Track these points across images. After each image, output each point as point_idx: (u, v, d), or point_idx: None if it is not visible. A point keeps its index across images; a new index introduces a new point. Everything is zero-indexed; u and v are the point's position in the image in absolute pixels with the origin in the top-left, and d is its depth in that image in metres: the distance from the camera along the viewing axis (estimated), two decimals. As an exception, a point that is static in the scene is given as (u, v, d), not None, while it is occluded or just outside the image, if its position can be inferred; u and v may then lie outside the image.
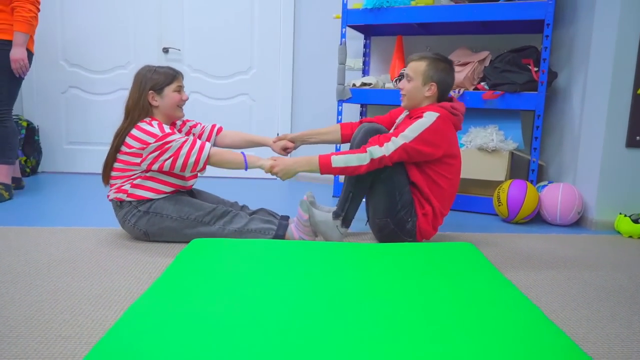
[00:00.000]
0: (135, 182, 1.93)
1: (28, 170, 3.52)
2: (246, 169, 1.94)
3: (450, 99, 2.02)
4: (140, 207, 1.94)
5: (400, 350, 1.02)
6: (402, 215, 1.90)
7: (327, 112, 3.58)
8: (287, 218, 2.09)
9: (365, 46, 3.44)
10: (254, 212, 2.15)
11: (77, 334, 1.20)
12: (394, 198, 1.89)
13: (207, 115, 3.69)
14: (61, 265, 1.68)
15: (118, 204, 1.97)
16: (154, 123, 1.89)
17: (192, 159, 1.87)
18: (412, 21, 2.84)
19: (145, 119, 1.91)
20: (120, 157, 1.91)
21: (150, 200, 1.94)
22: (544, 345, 1.05)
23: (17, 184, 2.98)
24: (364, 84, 3.01)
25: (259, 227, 1.95)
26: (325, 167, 1.84)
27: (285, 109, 3.71)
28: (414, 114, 1.93)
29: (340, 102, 3.05)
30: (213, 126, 2.22)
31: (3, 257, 1.74)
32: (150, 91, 1.92)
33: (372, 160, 1.82)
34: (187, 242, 1.97)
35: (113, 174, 1.95)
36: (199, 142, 1.90)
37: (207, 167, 1.93)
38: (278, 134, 3.32)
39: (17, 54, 2.64)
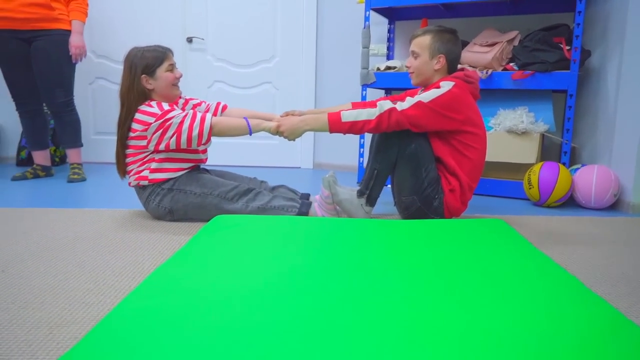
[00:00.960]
0: (152, 166, 1.93)
1: (57, 159, 3.58)
2: (250, 133, 1.90)
3: (462, 69, 1.96)
4: (164, 186, 1.94)
5: (443, 324, 0.97)
6: (428, 192, 1.85)
7: (351, 99, 3.53)
8: (307, 196, 2.07)
9: (389, 31, 3.38)
10: (274, 188, 2.14)
11: (100, 301, 1.20)
12: (419, 175, 1.84)
13: (230, 104, 3.69)
14: (86, 241, 1.69)
15: (140, 188, 1.98)
16: (153, 103, 1.89)
17: (195, 132, 1.85)
18: (437, 1, 2.77)
19: (150, 103, 1.90)
20: (129, 142, 1.92)
21: (172, 179, 1.94)
22: (587, 314, 0.98)
23: (46, 172, 3.04)
24: (388, 68, 2.96)
25: (282, 205, 1.92)
26: (334, 123, 1.79)
27: (309, 96, 3.68)
28: (428, 89, 1.88)
29: (365, 86, 3.01)
30: (218, 104, 2.20)
31: (30, 235, 1.76)
32: (143, 75, 1.90)
33: (381, 113, 1.77)
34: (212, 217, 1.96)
35: (127, 159, 1.95)
36: (199, 115, 1.88)
37: (214, 139, 1.91)
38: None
39: (78, 40, 2.83)
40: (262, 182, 2.18)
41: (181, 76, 2.00)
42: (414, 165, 1.84)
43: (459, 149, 1.85)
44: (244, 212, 1.92)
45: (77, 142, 3.01)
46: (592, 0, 2.84)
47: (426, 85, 1.95)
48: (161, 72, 1.93)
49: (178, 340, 0.85)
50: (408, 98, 1.81)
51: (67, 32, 2.82)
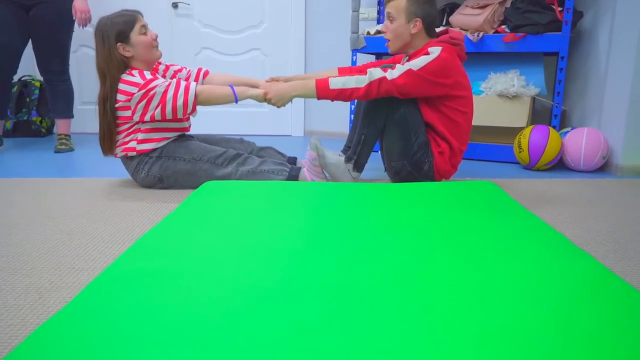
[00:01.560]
0: (139, 137, 1.90)
1: (44, 130, 3.53)
2: (236, 101, 1.87)
3: (446, 32, 1.92)
4: (152, 154, 1.92)
5: (434, 286, 0.98)
6: (418, 157, 1.84)
7: (341, 64, 3.47)
8: (294, 160, 2.08)
9: (379, -6, 3.31)
10: (261, 149, 2.14)
11: (90, 266, 1.19)
12: (409, 139, 1.83)
13: (218, 71, 3.61)
14: (75, 210, 1.68)
15: (128, 158, 1.95)
16: (135, 72, 1.85)
17: (179, 102, 1.82)
18: (428, -38, 2.70)
19: (131, 72, 1.85)
20: (117, 129, 1.88)
21: (159, 147, 1.92)
22: (575, 270, 1.00)
23: None
24: (378, 32, 2.91)
25: (271, 168, 1.92)
26: (322, 90, 1.77)
27: (299, 62, 3.62)
28: (416, 55, 1.85)
29: (355, 51, 2.96)
30: (199, 70, 2.16)
31: (17, 205, 1.74)
32: (118, 43, 1.84)
33: (371, 81, 1.75)
34: (202, 184, 1.95)
35: (108, 142, 1.91)
36: (183, 83, 1.84)
37: (199, 108, 1.88)
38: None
39: (83, 5, 2.77)
40: (249, 142, 2.16)
41: (157, 36, 1.94)
42: (403, 130, 1.83)
43: (447, 114, 1.84)
44: (234, 176, 1.91)
45: (68, 113, 2.97)
46: (586, -40, 2.79)
47: (405, 51, 1.92)
48: (135, 36, 1.87)
49: (167, 302, 0.85)
50: (398, 66, 1.78)
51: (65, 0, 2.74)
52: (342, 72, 2.14)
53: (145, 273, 0.96)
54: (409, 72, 1.75)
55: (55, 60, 2.83)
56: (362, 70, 2.09)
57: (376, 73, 1.75)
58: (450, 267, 1.00)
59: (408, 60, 1.89)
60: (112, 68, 1.84)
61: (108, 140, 1.91)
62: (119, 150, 1.95)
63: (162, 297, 0.86)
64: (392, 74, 1.76)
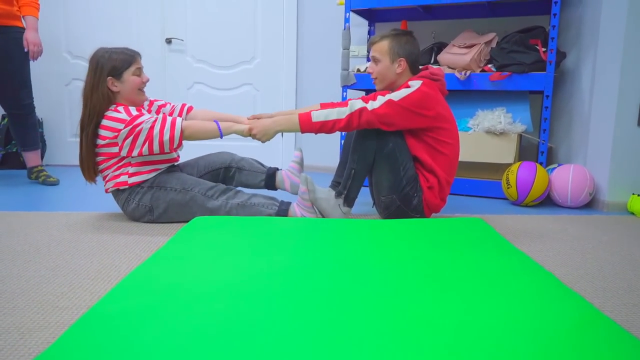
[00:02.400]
0: (130, 171, 1.90)
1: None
2: (221, 136, 1.89)
3: (426, 68, 1.98)
4: (143, 185, 1.92)
5: (422, 322, 0.98)
6: (407, 191, 1.86)
7: (332, 100, 3.53)
8: (275, 170, 2.14)
9: (369, 33, 3.39)
10: (241, 159, 2.16)
11: (74, 305, 1.17)
12: (398, 174, 1.85)
13: (210, 106, 3.66)
14: (61, 245, 1.65)
15: (119, 191, 1.94)
16: (120, 108, 1.85)
17: (166, 137, 1.83)
18: (416, 3, 2.79)
19: (110, 107, 1.86)
20: (100, 150, 1.89)
21: (150, 178, 1.93)
22: (564, 310, 1.00)
23: None
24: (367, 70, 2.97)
25: (261, 202, 1.92)
26: (305, 123, 1.80)
27: (290, 97, 3.67)
28: (397, 90, 1.90)
29: (345, 88, 3.01)
30: (183, 105, 2.18)
31: (2, 239, 1.71)
32: (109, 77, 1.86)
33: (351, 112, 1.78)
34: (192, 217, 1.94)
35: (101, 166, 1.92)
36: (169, 119, 1.85)
37: (184, 142, 1.90)
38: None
39: (36, 37, 2.69)
40: (227, 153, 2.19)
41: (148, 81, 1.97)
42: (392, 165, 1.85)
43: (433, 146, 1.88)
44: (224, 208, 1.91)
45: (38, 143, 2.89)
46: (567, 4, 2.90)
47: (389, 88, 1.97)
48: (128, 75, 1.89)
49: (154, 343, 0.83)
50: (379, 97, 1.83)
51: (23, 30, 2.66)
52: (325, 107, 2.18)
53: (132, 312, 0.95)
54: (389, 103, 1.79)
55: (24, 93, 2.73)
56: (345, 104, 2.13)
57: (356, 104, 1.79)
58: (438, 306, 1.00)
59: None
60: (94, 98, 1.85)
61: (86, 165, 1.90)
62: (110, 185, 1.94)
63: (148, 338, 0.84)
64: (373, 104, 1.80)
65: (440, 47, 3.00)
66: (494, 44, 2.79)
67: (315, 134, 1.84)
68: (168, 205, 1.93)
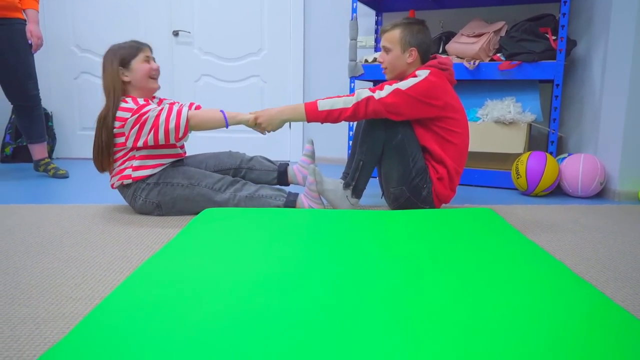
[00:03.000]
0: (134, 164, 1.91)
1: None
2: (227, 126, 1.89)
3: (434, 58, 1.96)
4: (149, 181, 1.92)
5: (434, 313, 0.98)
6: (417, 182, 1.85)
7: (339, 91, 3.52)
8: (286, 165, 2.11)
9: (377, 23, 3.37)
10: (251, 159, 2.15)
11: (88, 295, 1.18)
12: (407, 165, 1.84)
13: (218, 98, 3.66)
14: (73, 237, 1.67)
15: (124, 186, 1.95)
16: (128, 99, 1.87)
17: (171, 125, 1.83)
18: (424, -8, 2.77)
19: (125, 99, 1.87)
20: (114, 148, 1.89)
21: (156, 173, 1.93)
22: (575, 299, 0.99)
23: None
24: (376, 60, 2.95)
25: (269, 194, 1.92)
26: (311, 112, 1.79)
27: (297, 89, 3.67)
28: (406, 78, 1.88)
29: (353, 79, 3.00)
30: (191, 104, 2.17)
31: (15, 232, 1.73)
32: (120, 67, 1.89)
33: (358, 101, 1.77)
34: (200, 210, 1.96)
35: (105, 160, 1.91)
36: (175, 107, 1.86)
37: (194, 133, 1.90)
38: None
39: (38, 30, 2.69)
40: (237, 153, 2.17)
41: (158, 68, 1.97)
42: (401, 156, 1.84)
43: (443, 135, 1.86)
44: (232, 201, 1.92)
45: (45, 136, 2.90)
46: (578, -9, 2.86)
47: (400, 77, 1.95)
48: (137, 63, 1.91)
49: (167, 333, 0.84)
50: (386, 86, 1.81)
51: (24, 22, 2.66)
52: None
53: (145, 303, 0.96)
54: (396, 92, 1.78)
55: (30, 84, 2.73)
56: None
57: (363, 93, 1.78)
58: (449, 297, 1.00)
59: None
60: (117, 88, 1.87)
61: (106, 155, 1.90)
62: (115, 180, 1.95)
63: (162, 328, 0.85)
64: (380, 93, 1.78)
65: (448, 36, 2.97)
66: (503, 33, 2.76)
67: (322, 123, 1.83)
68: (175, 200, 1.93)
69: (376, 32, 3.38)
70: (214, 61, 3.68)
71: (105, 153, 1.90)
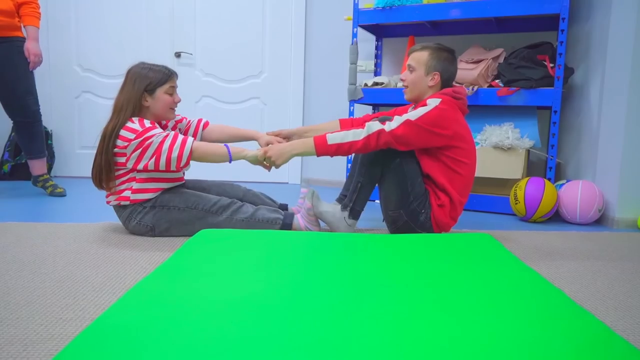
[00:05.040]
0: (134, 187, 1.89)
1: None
2: (230, 161, 1.86)
3: (451, 86, 1.97)
4: (145, 205, 1.91)
5: (430, 339, 0.96)
6: (414, 207, 1.84)
7: (339, 114, 3.53)
8: (285, 206, 2.08)
9: (376, 48, 3.41)
10: (252, 195, 2.13)
11: (78, 317, 1.16)
12: (405, 189, 1.84)
13: (218, 119, 3.66)
14: (67, 256, 1.65)
15: (120, 206, 1.94)
16: (135, 119, 1.85)
17: (174, 154, 1.81)
18: (423, 19, 2.81)
19: (132, 118, 1.86)
20: (115, 167, 1.88)
21: (153, 198, 1.91)
22: (576, 329, 0.98)
23: None
24: (376, 84, 2.98)
25: (266, 217, 1.91)
26: (321, 146, 1.78)
27: (297, 111, 3.69)
28: (418, 106, 1.89)
29: (352, 102, 3.02)
30: (199, 121, 2.17)
31: (9, 249, 1.71)
32: (144, 92, 1.87)
33: (369, 134, 1.76)
34: (194, 233, 1.93)
35: (105, 177, 1.89)
36: (180, 137, 1.84)
37: (192, 163, 1.88)
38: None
39: (37, 48, 2.71)
40: (239, 187, 2.15)
41: (180, 101, 1.98)
42: (400, 179, 1.84)
43: (449, 165, 1.85)
44: (229, 224, 1.90)
45: (44, 151, 2.89)
46: (575, 20, 2.91)
47: (417, 102, 1.96)
48: (161, 92, 1.90)
49: (157, 356, 0.82)
50: (396, 117, 1.81)
51: (24, 40, 2.69)
52: (344, 123, 2.16)
53: (136, 325, 0.94)
54: (407, 123, 1.78)
55: (30, 100, 2.73)
56: (362, 123, 2.12)
57: (374, 126, 1.78)
58: (445, 323, 0.98)
59: (413, 108, 1.94)
60: (128, 109, 1.85)
61: (106, 173, 1.86)
62: (112, 199, 1.94)
63: (152, 352, 0.83)
64: (390, 125, 1.78)
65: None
66: (501, 60, 2.79)
67: (332, 156, 1.82)
68: (170, 224, 1.92)
69: (376, 56, 3.42)
70: (215, 82, 3.71)
71: (105, 170, 1.88)
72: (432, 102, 1.82)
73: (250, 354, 0.83)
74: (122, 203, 1.91)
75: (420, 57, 1.92)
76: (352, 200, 1.90)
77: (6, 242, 1.80)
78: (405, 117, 1.79)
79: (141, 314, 0.99)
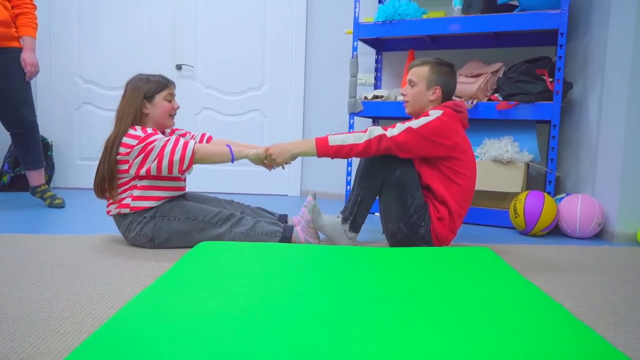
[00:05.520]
0: (135, 194, 1.89)
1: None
2: (233, 160, 1.89)
3: (452, 100, 1.99)
4: (146, 214, 1.91)
5: (428, 353, 0.95)
6: (414, 220, 1.84)
7: (339, 127, 3.55)
8: (285, 217, 2.08)
9: (376, 61, 3.44)
10: (251, 210, 2.14)
11: (76, 330, 1.15)
12: (405, 202, 1.84)
13: (218, 131, 3.69)
14: (65, 268, 1.64)
15: (121, 216, 1.94)
16: (137, 127, 1.88)
17: (176, 156, 1.83)
18: (423, 33, 2.83)
19: (134, 127, 1.88)
20: (117, 175, 1.88)
21: (154, 207, 1.91)
22: (575, 344, 0.97)
23: None
24: (375, 97, 2.99)
25: (265, 230, 1.91)
26: (322, 147, 1.80)
27: (297, 124, 3.70)
28: (420, 117, 1.90)
29: (352, 115, 3.03)
30: (203, 135, 2.19)
31: (7, 261, 1.71)
32: (144, 99, 1.91)
33: (370, 139, 1.78)
34: (194, 245, 1.93)
35: (107, 185, 1.89)
36: (182, 140, 1.87)
37: (194, 166, 1.90)
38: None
39: (33, 58, 2.70)
40: (238, 204, 2.17)
41: (178, 108, 2.01)
42: (399, 192, 1.84)
43: (448, 175, 1.86)
44: (228, 236, 1.90)
45: (42, 162, 2.86)
46: (573, 35, 2.93)
47: (418, 116, 1.97)
48: (159, 99, 1.94)
49: (155, 370, 0.81)
50: (398, 124, 1.83)
51: (21, 50, 2.67)
52: None
53: (134, 339, 0.93)
54: (408, 130, 1.79)
55: (26, 110, 2.71)
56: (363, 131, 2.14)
57: (375, 131, 1.79)
58: (444, 337, 0.97)
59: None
60: (129, 115, 1.88)
61: (108, 182, 1.87)
62: (112, 208, 1.94)
63: (148, 367, 0.82)
64: (392, 131, 1.80)
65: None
66: (500, 74, 2.81)
67: (332, 158, 1.83)
68: (170, 235, 1.92)
69: (376, 70, 3.44)
70: (215, 95, 3.73)
71: (107, 178, 1.88)
72: (434, 113, 1.84)
73: (248, 369, 0.83)
74: (123, 211, 1.91)
75: (420, 72, 1.93)
76: (353, 214, 1.90)
77: (4, 254, 1.79)
78: (407, 124, 1.81)
79: (139, 327, 0.99)
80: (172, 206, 1.93)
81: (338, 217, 1.93)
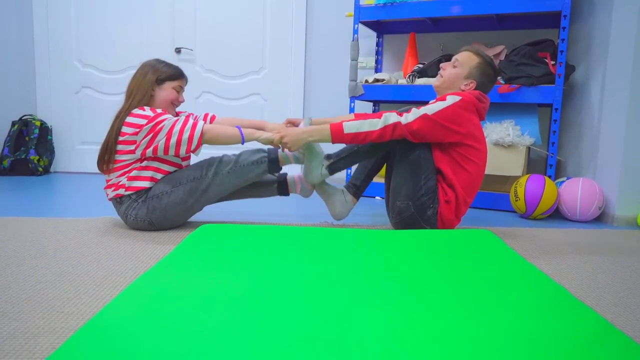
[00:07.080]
0: (131, 174, 1.89)
1: (41, 169, 3.53)
2: (243, 142, 1.89)
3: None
4: (138, 199, 1.91)
5: (429, 334, 0.96)
6: (424, 200, 1.84)
7: (340, 111, 3.54)
8: (285, 175, 2.13)
9: (377, 44, 3.41)
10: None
11: (80, 310, 1.16)
12: (418, 181, 1.83)
13: (218, 115, 3.66)
14: (68, 251, 1.65)
15: (118, 201, 1.94)
16: (146, 107, 1.88)
17: (185, 136, 1.83)
18: (424, 16, 2.80)
19: (142, 107, 1.88)
20: (117, 147, 1.87)
21: (148, 189, 1.92)
22: (576, 324, 0.98)
23: None
24: (376, 80, 2.97)
25: (250, 160, 1.94)
26: (337, 134, 1.80)
27: (297, 108, 3.68)
28: (438, 100, 1.89)
29: (353, 99, 3.02)
30: (206, 115, 2.19)
31: (9, 244, 1.71)
32: (154, 81, 1.92)
33: (385, 126, 1.78)
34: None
35: (107, 157, 1.89)
36: (191, 119, 1.88)
37: (202, 147, 1.90)
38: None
39: None
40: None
41: (183, 102, 2.03)
42: (414, 171, 1.84)
43: (458, 161, 1.85)
44: (219, 183, 1.92)
45: None
46: (576, 17, 2.90)
47: (442, 92, 1.96)
48: (169, 86, 1.95)
49: (158, 350, 0.82)
50: (414, 110, 1.81)
51: None
52: (359, 117, 2.17)
53: (137, 319, 0.94)
54: (424, 117, 1.78)
55: None
56: (379, 115, 2.13)
57: (391, 117, 1.79)
58: (446, 319, 0.98)
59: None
60: (138, 94, 1.90)
61: (108, 154, 1.88)
62: (110, 191, 1.93)
63: (153, 345, 0.83)
64: (407, 118, 1.79)
65: (448, 58, 3.00)
66: (502, 57, 2.79)
67: (347, 144, 1.83)
68: (165, 211, 1.92)
69: (377, 53, 3.41)
70: (215, 78, 3.70)
71: (109, 150, 1.88)
72: (451, 99, 1.82)
73: (251, 349, 0.84)
74: (119, 193, 1.90)
75: (469, 59, 1.92)
76: (339, 157, 1.93)
77: (6, 237, 1.80)
78: (422, 110, 1.80)
79: (142, 308, 0.99)
80: (158, 184, 1.92)
81: (325, 165, 1.94)
